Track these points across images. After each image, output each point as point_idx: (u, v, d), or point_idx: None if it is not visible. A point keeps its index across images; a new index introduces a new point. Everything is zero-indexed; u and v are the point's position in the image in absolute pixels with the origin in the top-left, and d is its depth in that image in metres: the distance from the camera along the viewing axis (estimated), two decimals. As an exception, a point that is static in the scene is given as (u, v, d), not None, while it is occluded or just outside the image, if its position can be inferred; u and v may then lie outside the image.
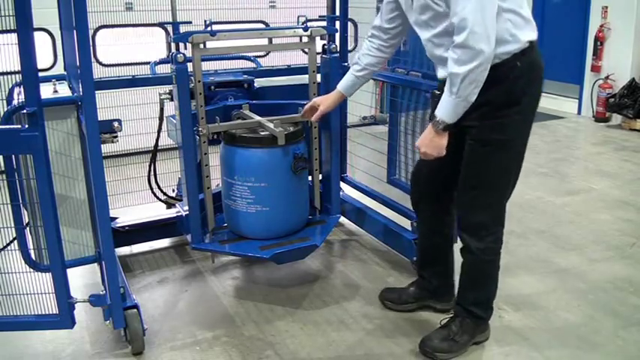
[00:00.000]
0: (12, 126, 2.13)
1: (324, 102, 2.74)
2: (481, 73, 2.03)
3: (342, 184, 3.63)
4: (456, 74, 2.03)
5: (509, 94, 2.18)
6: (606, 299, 2.90)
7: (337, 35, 3.37)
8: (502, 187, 2.33)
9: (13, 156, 2.30)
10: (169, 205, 3.62)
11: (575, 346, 2.52)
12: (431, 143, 2.22)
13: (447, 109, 2.13)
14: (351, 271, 3.21)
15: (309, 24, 2.88)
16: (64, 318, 2.24)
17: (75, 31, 2.04)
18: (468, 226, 2.38)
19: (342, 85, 2.71)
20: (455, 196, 2.44)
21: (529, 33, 2.16)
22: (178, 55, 2.61)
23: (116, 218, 3.32)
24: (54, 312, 2.23)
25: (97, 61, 4.71)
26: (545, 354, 2.47)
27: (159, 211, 3.54)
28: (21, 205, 2.35)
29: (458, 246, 2.48)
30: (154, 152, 3.42)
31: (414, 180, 2.68)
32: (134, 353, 2.47)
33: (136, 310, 2.44)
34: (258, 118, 2.89)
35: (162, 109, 3.21)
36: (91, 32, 2.08)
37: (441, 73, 2.31)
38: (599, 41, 6.73)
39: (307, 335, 2.62)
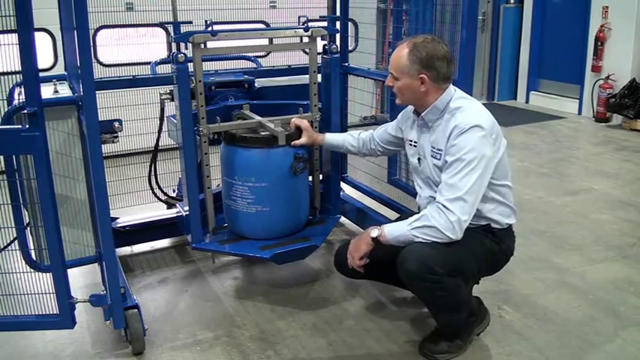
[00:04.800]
0: (12, 126, 2.14)
1: (309, 133, 2.81)
2: (439, 240, 2.16)
3: (343, 184, 3.63)
4: (427, 221, 2.16)
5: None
6: (606, 299, 2.90)
7: (338, 35, 3.37)
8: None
9: (14, 156, 2.31)
10: (170, 205, 3.63)
11: (576, 346, 2.52)
12: (357, 242, 2.33)
13: (394, 231, 2.26)
14: (351, 271, 3.21)
15: (309, 24, 2.88)
16: (65, 318, 2.24)
17: (75, 32, 2.04)
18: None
19: (330, 136, 2.87)
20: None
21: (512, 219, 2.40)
22: (179, 55, 2.61)
23: (117, 218, 3.32)
24: (54, 312, 2.24)
25: (98, 61, 4.72)
26: (545, 354, 2.47)
27: (159, 211, 3.55)
28: (21, 206, 2.35)
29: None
30: (155, 152, 3.42)
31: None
32: (135, 353, 2.48)
33: (136, 310, 2.44)
34: (258, 118, 2.89)
35: (162, 109, 3.22)
36: (91, 32, 2.07)
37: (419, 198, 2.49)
38: (600, 41, 6.73)
39: (307, 335, 2.62)
